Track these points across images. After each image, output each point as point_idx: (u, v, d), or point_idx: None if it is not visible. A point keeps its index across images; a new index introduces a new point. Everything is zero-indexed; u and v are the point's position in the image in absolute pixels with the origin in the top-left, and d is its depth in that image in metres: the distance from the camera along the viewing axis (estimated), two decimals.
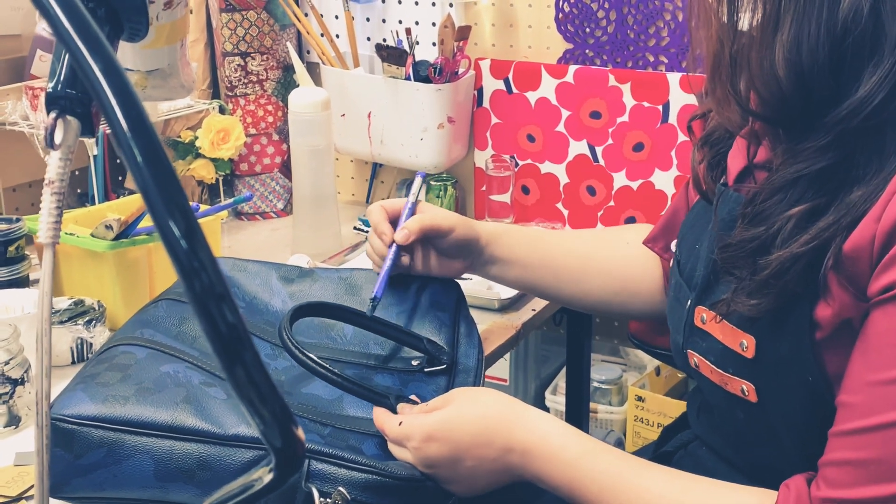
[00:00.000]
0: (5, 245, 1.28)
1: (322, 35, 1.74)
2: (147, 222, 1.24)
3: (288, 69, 1.76)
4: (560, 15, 1.64)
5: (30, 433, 1.02)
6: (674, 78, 1.56)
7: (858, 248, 0.72)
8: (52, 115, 0.51)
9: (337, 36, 1.79)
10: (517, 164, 1.72)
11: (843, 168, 0.74)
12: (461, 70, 1.67)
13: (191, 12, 1.78)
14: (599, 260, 1.12)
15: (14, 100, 1.55)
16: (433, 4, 1.72)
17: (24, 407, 1.03)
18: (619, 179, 1.64)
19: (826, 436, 0.75)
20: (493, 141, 1.73)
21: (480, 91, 1.72)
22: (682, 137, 1.57)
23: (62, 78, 0.52)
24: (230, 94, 1.75)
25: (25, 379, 1.03)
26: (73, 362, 1.15)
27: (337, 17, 1.80)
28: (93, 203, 1.61)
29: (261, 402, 0.36)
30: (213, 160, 1.67)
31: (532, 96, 1.67)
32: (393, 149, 1.71)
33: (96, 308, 1.19)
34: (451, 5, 1.70)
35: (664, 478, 0.81)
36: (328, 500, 0.81)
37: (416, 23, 1.73)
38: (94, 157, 1.61)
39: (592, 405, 1.82)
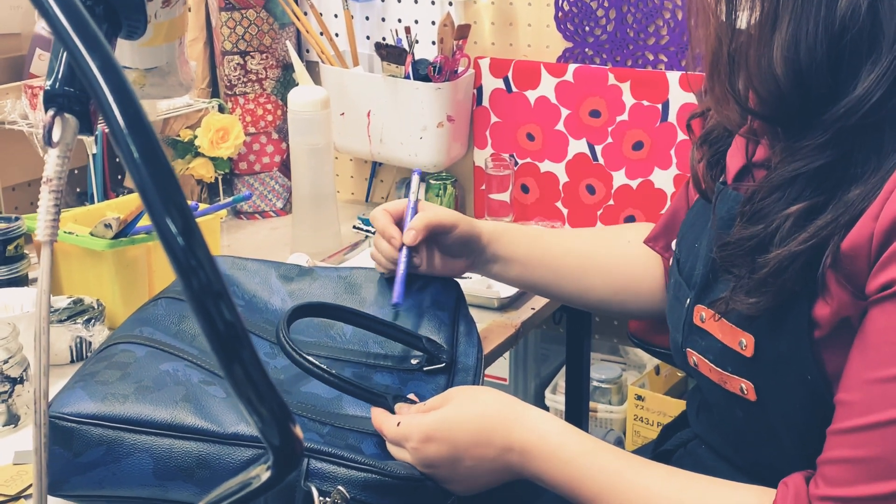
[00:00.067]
0: (4, 244, 1.28)
1: (321, 34, 1.74)
2: (146, 221, 1.24)
3: (287, 68, 1.76)
4: (559, 13, 1.64)
5: (29, 432, 1.02)
6: (673, 76, 1.56)
7: (857, 246, 0.72)
8: (51, 112, 0.51)
9: (336, 35, 1.79)
10: (517, 163, 1.72)
11: (842, 166, 0.74)
12: (460, 69, 1.67)
13: (189, 10, 1.78)
14: (600, 258, 1.12)
15: (13, 99, 1.55)
16: (432, 3, 1.72)
17: (24, 406, 1.03)
18: (619, 178, 1.64)
19: (825, 434, 0.75)
20: (493, 140, 1.73)
21: (480, 90, 1.72)
22: (681, 136, 1.57)
23: (60, 76, 0.52)
24: (229, 92, 1.75)
25: (24, 377, 1.03)
26: (73, 361, 1.15)
27: (336, 15, 1.80)
28: (92, 202, 1.61)
29: (259, 400, 0.36)
30: (213, 159, 1.67)
31: (531, 95, 1.67)
32: (392, 148, 1.71)
33: (95, 307, 1.19)
34: (450, 4, 1.70)
35: (663, 476, 0.81)
36: (327, 498, 0.81)
37: (416, 21, 1.73)
38: (94, 155, 1.60)
39: (592, 404, 1.82)
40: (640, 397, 1.77)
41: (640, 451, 1.07)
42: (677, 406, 1.69)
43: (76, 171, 1.68)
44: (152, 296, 1.07)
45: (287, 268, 1.09)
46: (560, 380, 1.88)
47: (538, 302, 1.34)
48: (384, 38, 1.73)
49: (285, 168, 1.76)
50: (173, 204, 0.35)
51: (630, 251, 1.12)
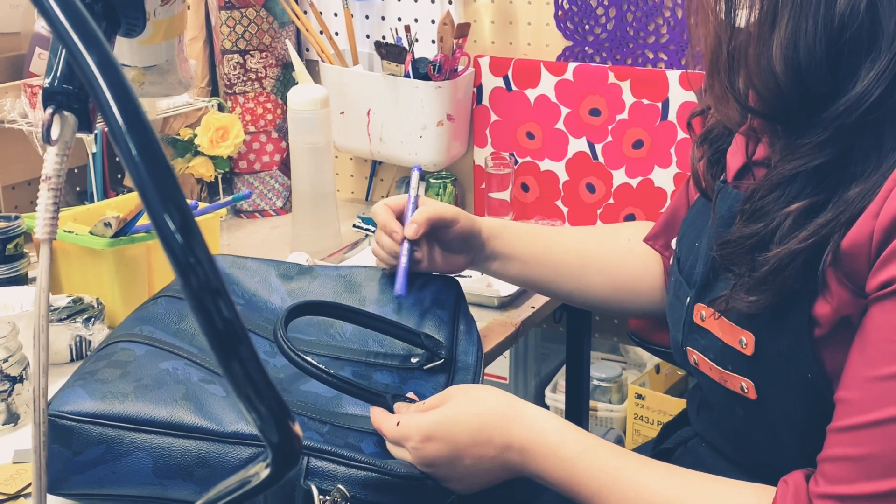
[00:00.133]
0: (4, 243, 1.28)
1: (321, 32, 1.74)
2: (146, 220, 1.24)
3: (287, 67, 1.76)
4: (559, 12, 1.64)
5: (29, 430, 1.01)
6: (673, 75, 1.56)
7: (857, 244, 0.72)
8: (49, 110, 0.51)
9: (336, 33, 1.79)
10: (516, 162, 1.72)
11: (842, 164, 0.74)
12: (460, 67, 1.67)
13: (188, 8, 1.78)
14: (599, 256, 1.12)
15: (13, 98, 1.55)
16: (432, 2, 1.72)
17: (23, 404, 1.03)
18: (619, 177, 1.64)
19: (825, 432, 0.75)
20: (493, 138, 1.73)
21: (480, 88, 1.72)
22: (681, 134, 1.57)
23: (59, 74, 0.52)
24: (229, 91, 1.75)
25: (24, 376, 1.03)
26: (72, 360, 1.15)
27: (336, 14, 1.80)
28: (92, 201, 1.61)
29: (257, 398, 0.36)
30: (212, 158, 1.67)
31: (531, 94, 1.67)
32: (392, 146, 1.71)
33: (95, 305, 1.19)
34: (450, 2, 1.70)
35: (662, 474, 0.81)
36: (327, 497, 0.81)
37: (416, 20, 1.73)
38: (93, 154, 1.60)
39: (592, 403, 1.82)
40: (640, 396, 1.77)
41: (641, 450, 1.07)
42: (677, 405, 1.69)
43: (76, 170, 1.68)
44: (152, 294, 1.07)
45: (287, 266, 1.09)
46: (560, 378, 1.88)
47: (538, 300, 1.34)
48: (384, 37, 1.73)
49: (285, 167, 1.76)
50: (172, 202, 0.35)
51: (629, 249, 1.12)
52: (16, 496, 0.90)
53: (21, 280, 1.30)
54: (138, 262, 1.24)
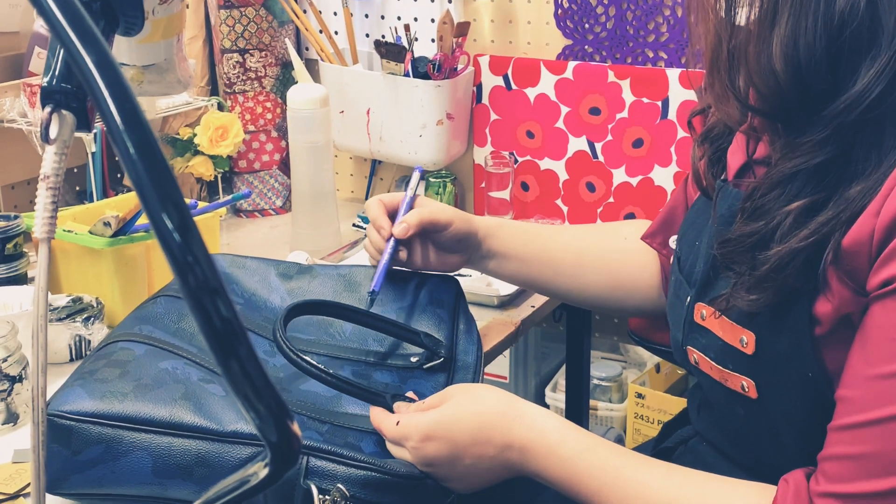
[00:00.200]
0: (3, 242, 1.28)
1: (321, 31, 1.73)
2: (145, 219, 1.24)
3: (286, 66, 1.76)
4: (559, 11, 1.64)
5: (28, 430, 1.01)
6: (673, 74, 1.56)
7: (858, 242, 0.72)
8: (48, 109, 0.51)
9: (335, 32, 1.79)
10: (516, 161, 1.71)
11: (842, 163, 0.74)
12: (460, 66, 1.67)
13: (187, 7, 1.78)
14: (596, 254, 1.12)
15: (12, 97, 1.55)
16: (432, 1, 1.72)
17: (23, 404, 1.03)
18: (619, 176, 1.64)
19: (826, 431, 0.75)
20: (493, 137, 1.73)
21: (479, 87, 1.72)
22: (681, 133, 1.57)
23: (57, 72, 0.52)
24: (229, 90, 1.75)
25: (23, 376, 1.03)
26: (72, 359, 1.15)
27: (335, 13, 1.79)
28: (91, 200, 1.61)
29: (256, 397, 0.36)
30: (212, 157, 1.67)
31: (531, 92, 1.67)
32: (392, 145, 1.71)
33: (94, 305, 1.19)
34: (449, 1, 1.70)
35: (663, 473, 0.81)
36: (327, 497, 0.81)
37: (415, 19, 1.73)
38: (93, 154, 1.60)
39: (592, 402, 1.82)
40: (640, 395, 1.77)
41: (641, 449, 1.06)
42: (678, 404, 1.69)
43: (75, 170, 1.68)
44: (151, 294, 1.07)
45: (286, 266, 1.09)
46: (560, 378, 1.88)
47: (538, 300, 1.34)
48: (383, 36, 1.73)
49: (285, 166, 1.76)
50: (170, 200, 0.35)
51: (627, 247, 1.12)
52: (15, 496, 0.90)
53: (20, 279, 1.30)
54: (138, 261, 1.24)
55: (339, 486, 0.81)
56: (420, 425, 0.84)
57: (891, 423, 0.69)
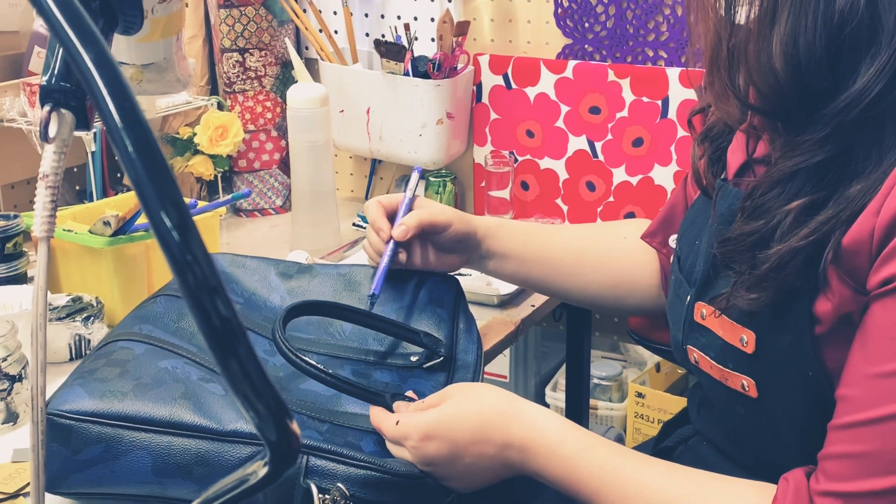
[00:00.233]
0: (3, 241, 1.28)
1: (320, 31, 1.73)
2: (145, 218, 1.24)
3: (286, 65, 1.75)
4: (559, 10, 1.64)
5: (28, 429, 1.01)
6: (673, 73, 1.56)
7: (858, 241, 0.71)
8: (47, 108, 0.51)
9: (335, 32, 1.79)
10: (516, 160, 1.71)
11: (842, 161, 0.74)
12: (460, 66, 1.67)
13: (187, 6, 1.78)
14: (596, 254, 1.12)
15: (12, 96, 1.54)
16: (431, 0, 1.72)
17: (22, 403, 1.03)
18: (619, 175, 1.64)
19: (826, 430, 0.75)
20: (493, 137, 1.73)
21: (479, 87, 1.72)
22: (681, 132, 1.57)
23: (56, 71, 0.52)
24: (228, 90, 1.75)
25: (23, 375, 1.03)
26: (71, 359, 1.15)
27: (335, 12, 1.79)
28: (91, 200, 1.61)
29: (255, 396, 0.36)
30: (212, 157, 1.67)
31: (531, 92, 1.67)
32: (392, 145, 1.71)
33: (94, 304, 1.19)
34: (449, 0, 1.70)
35: (663, 472, 0.80)
36: (327, 496, 0.81)
37: (415, 18, 1.73)
38: (93, 153, 1.60)
39: (592, 402, 1.82)
40: (640, 394, 1.77)
41: (641, 448, 1.06)
42: (678, 403, 1.69)
43: (75, 169, 1.68)
44: (151, 293, 1.07)
45: (286, 265, 1.09)
46: (560, 377, 1.88)
47: (538, 299, 1.34)
48: (383, 35, 1.73)
49: (284, 165, 1.76)
50: (168, 199, 0.35)
51: (627, 247, 1.12)
52: (15, 495, 0.90)
53: (20, 279, 1.30)
54: (137, 260, 1.24)
55: (339, 485, 0.81)
56: (420, 425, 0.84)
57: (891, 421, 0.69)
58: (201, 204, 1.38)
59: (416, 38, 1.67)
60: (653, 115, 1.59)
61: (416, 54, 1.64)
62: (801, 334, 0.76)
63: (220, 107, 1.73)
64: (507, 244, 1.10)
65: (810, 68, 0.73)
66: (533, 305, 1.33)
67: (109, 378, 0.85)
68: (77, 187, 1.71)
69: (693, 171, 0.95)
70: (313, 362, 0.86)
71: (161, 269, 1.26)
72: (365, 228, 1.54)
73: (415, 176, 1.14)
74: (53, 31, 0.37)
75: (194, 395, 0.85)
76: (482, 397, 0.86)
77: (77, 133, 0.53)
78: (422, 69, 1.64)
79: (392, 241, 1.04)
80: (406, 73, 1.64)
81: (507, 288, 1.31)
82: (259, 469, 0.38)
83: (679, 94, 1.56)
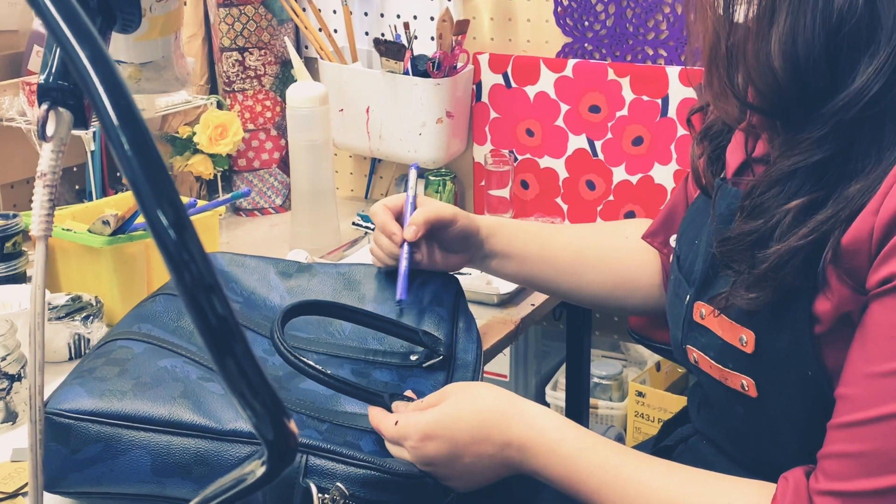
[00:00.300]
0: (2, 241, 1.28)
1: (320, 30, 1.73)
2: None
3: (286, 64, 1.75)
4: (559, 8, 1.64)
5: (27, 429, 1.01)
6: (673, 71, 1.55)
7: (857, 241, 0.71)
8: (44, 107, 0.51)
9: (335, 31, 1.79)
10: (516, 159, 1.71)
11: (841, 160, 0.74)
12: (459, 64, 1.67)
13: (185, 5, 1.77)
14: (597, 253, 1.12)
15: (11, 96, 1.54)
16: None
17: (21, 403, 1.03)
18: (619, 174, 1.64)
19: (826, 429, 0.75)
20: (492, 135, 1.73)
21: (479, 85, 1.71)
22: (681, 131, 1.57)
23: (54, 70, 0.52)
24: (228, 89, 1.75)
25: (22, 375, 1.03)
26: (71, 358, 1.15)
27: (335, 11, 1.79)
28: (90, 199, 1.61)
29: (252, 395, 0.36)
30: (211, 156, 1.67)
31: (531, 90, 1.67)
32: (391, 144, 1.71)
33: (94, 304, 1.18)
34: None
35: (663, 471, 0.80)
36: (326, 495, 0.81)
37: (415, 17, 1.73)
38: (92, 152, 1.60)
39: (593, 401, 1.82)
40: (640, 394, 1.77)
41: (641, 447, 1.06)
42: (678, 402, 1.69)
43: (75, 169, 1.68)
44: (150, 292, 1.07)
45: (286, 264, 1.09)
46: (560, 376, 1.88)
47: (538, 298, 1.34)
48: (383, 34, 1.73)
49: (284, 165, 1.76)
50: (165, 197, 0.35)
51: (628, 246, 1.12)
52: (14, 494, 0.90)
53: (19, 278, 1.30)
54: (137, 259, 1.24)
55: (339, 484, 0.81)
56: (419, 425, 0.84)
57: (890, 421, 0.69)
58: (201, 203, 1.38)
59: (416, 37, 1.67)
60: (653, 114, 1.58)
61: (415, 53, 1.64)
62: (801, 334, 0.76)
63: (220, 106, 1.73)
64: (509, 243, 1.10)
65: (809, 67, 0.73)
66: (533, 304, 1.33)
67: (108, 377, 0.85)
68: (76, 186, 1.71)
69: (692, 170, 0.95)
70: (311, 362, 0.85)
71: (160, 268, 1.26)
72: (364, 227, 1.55)
73: (413, 173, 1.14)
74: (49, 28, 0.37)
75: (193, 394, 0.85)
76: (481, 397, 0.86)
77: (76, 132, 0.54)
78: (421, 68, 1.63)
79: (405, 243, 1.05)
80: (406, 72, 1.64)
81: (507, 287, 1.31)
82: (257, 468, 0.38)
83: (679, 92, 1.55)
